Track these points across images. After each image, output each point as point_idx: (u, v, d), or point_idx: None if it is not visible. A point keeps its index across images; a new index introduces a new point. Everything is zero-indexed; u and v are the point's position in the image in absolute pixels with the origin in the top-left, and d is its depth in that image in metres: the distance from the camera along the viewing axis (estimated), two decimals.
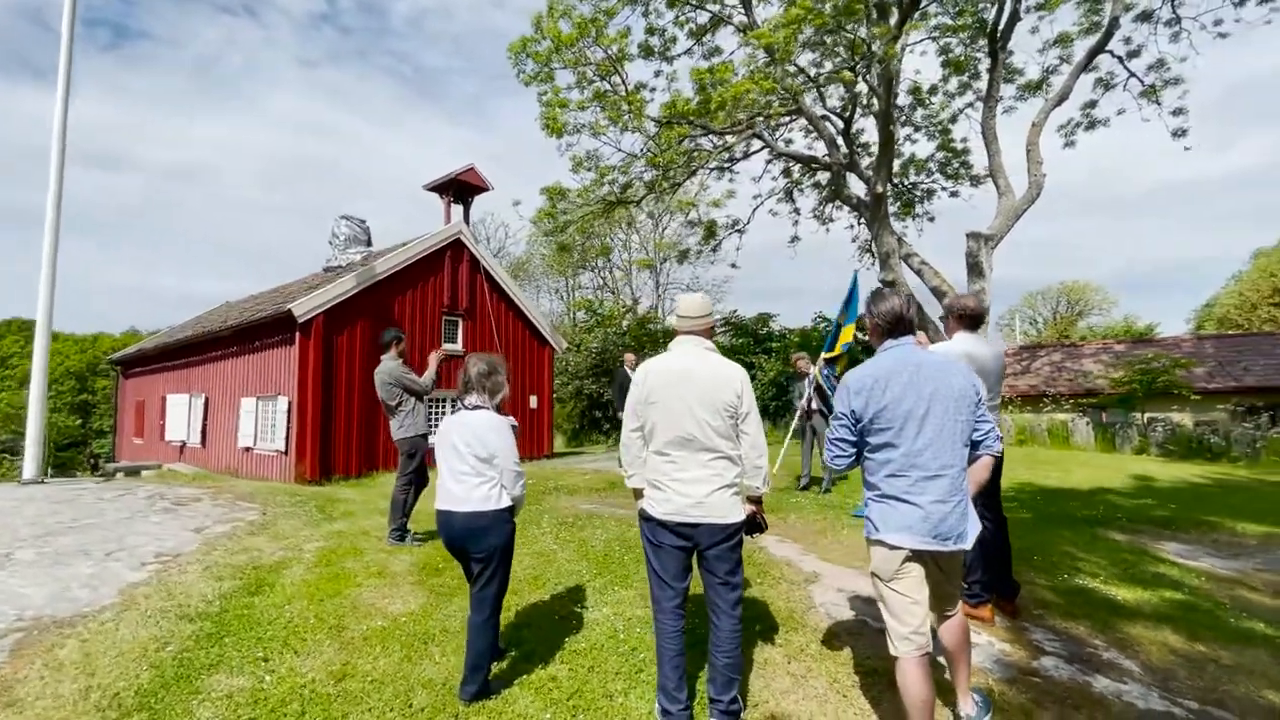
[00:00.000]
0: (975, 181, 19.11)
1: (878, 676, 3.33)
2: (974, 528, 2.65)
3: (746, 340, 18.53)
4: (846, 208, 18.81)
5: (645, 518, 3.03)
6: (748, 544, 5.41)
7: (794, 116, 15.41)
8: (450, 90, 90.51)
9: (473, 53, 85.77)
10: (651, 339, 20.50)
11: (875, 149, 18.37)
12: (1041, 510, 6.84)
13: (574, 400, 19.23)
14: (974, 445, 2.69)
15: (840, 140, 15.66)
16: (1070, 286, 36.69)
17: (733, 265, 18.27)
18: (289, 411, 11.46)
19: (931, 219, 20.03)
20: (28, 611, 3.88)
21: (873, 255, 19.77)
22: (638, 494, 3.13)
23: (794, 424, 8.15)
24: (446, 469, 3.26)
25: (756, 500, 3.06)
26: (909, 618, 2.60)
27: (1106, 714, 3.02)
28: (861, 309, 6.75)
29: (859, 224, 19.40)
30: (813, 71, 13.93)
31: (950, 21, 15.60)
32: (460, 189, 13.76)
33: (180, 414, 15.26)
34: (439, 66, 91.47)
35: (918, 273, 15.74)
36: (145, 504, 6.38)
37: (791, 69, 13.17)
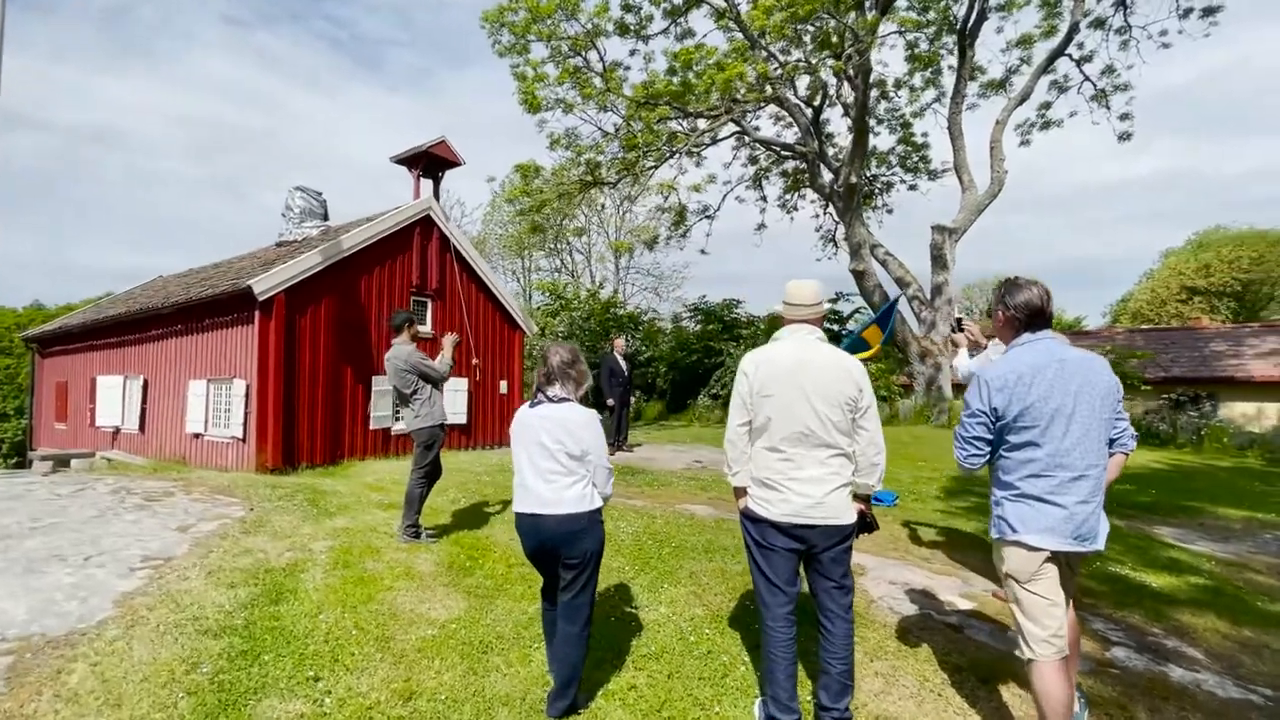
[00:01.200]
0: (933, 175, 19.61)
1: (964, 674, 3.27)
2: (1105, 527, 2.58)
3: (715, 326, 18.50)
4: (813, 197, 18.97)
5: (753, 519, 2.84)
6: None
7: (767, 104, 15.35)
8: (391, 61, 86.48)
9: (415, 22, 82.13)
10: (618, 323, 20.22)
11: (840, 140, 18.61)
12: None
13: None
14: (1109, 443, 2.61)
15: (811, 130, 15.71)
16: (1001, 280, 38.51)
17: (702, 251, 18.15)
18: (247, 395, 10.65)
19: (890, 211, 20.45)
20: (10, 630, 3.36)
21: (835, 244, 20.08)
22: (739, 493, 2.94)
23: None
24: (531, 468, 2.97)
25: (865, 498, 2.91)
26: (1048, 620, 2.52)
27: (1194, 705, 3.04)
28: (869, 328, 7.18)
29: (823, 213, 19.64)
30: (785, 60, 13.86)
31: (916, 17, 15.82)
32: (430, 163, 13.04)
33: (113, 397, 14.01)
34: (380, 36, 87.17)
35: (882, 263, 16.04)
36: (112, 500, 5.73)
37: (780, 56, 13.05)
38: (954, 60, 16.48)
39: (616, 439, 10.04)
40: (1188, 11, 14.68)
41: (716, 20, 15.03)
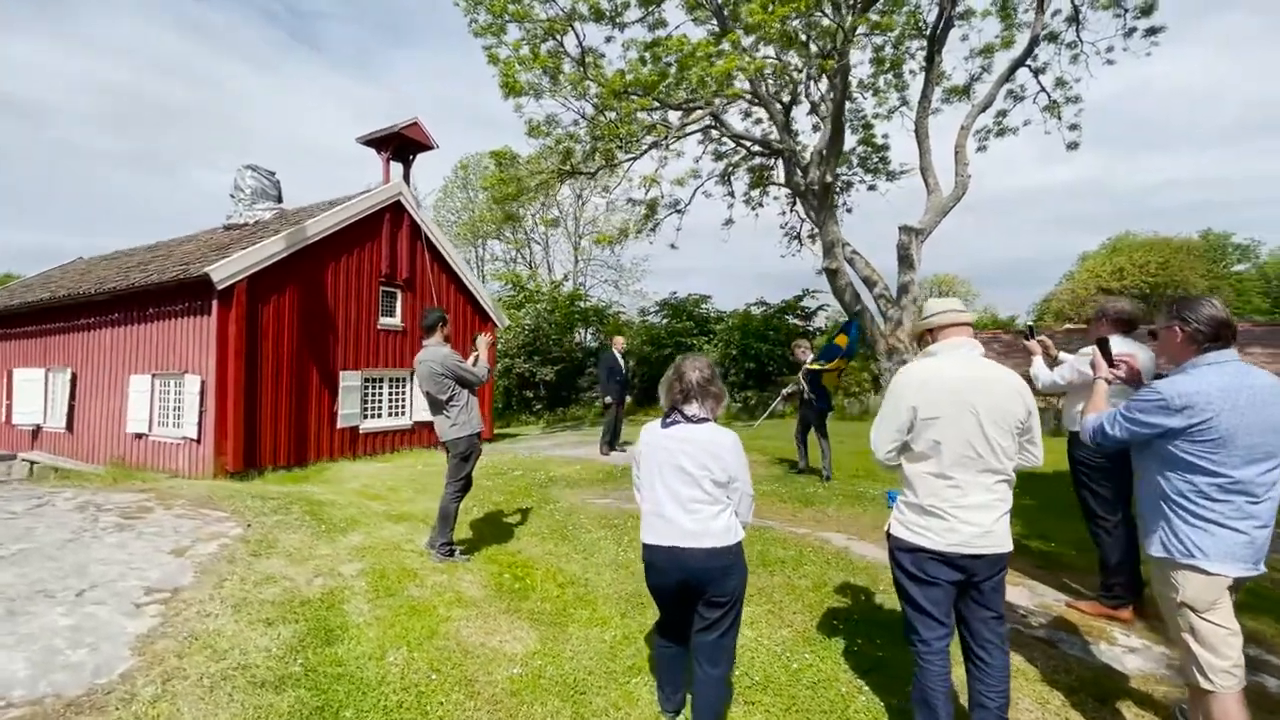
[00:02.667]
0: (892, 176, 20.05)
1: (1079, 694, 3.19)
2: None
3: (687, 323, 18.39)
4: (777, 193, 19.05)
5: (909, 549, 2.64)
6: (827, 542, 5.17)
7: (753, 101, 15.23)
8: (331, 36, 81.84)
9: None
10: (583, 317, 19.79)
11: (805, 139, 18.75)
12: (1044, 496, 7.18)
13: (503, 378, 18.19)
14: None
15: (787, 128, 15.70)
16: (941, 279, 40.18)
17: (672, 246, 17.92)
18: (203, 392, 9.72)
19: (850, 210, 20.81)
20: (15, 691, 2.79)
21: (799, 242, 20.28)
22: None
23: (776, 405, 8.20)
24: (669, 496, 2.65)
25: None
26: (1228, 650, 2.43)
27: None
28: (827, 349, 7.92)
29: (790, 211, 19.76)
30: (762, 57, 13.76)
31: (877, 19, 16.06)
32: (401, 145, 12.25)
33: (33, 392, 12.58)
34: (317, 10, 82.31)
35: (849, 262, 16.27)
36: (82, 518, 5.00)
37: (766, 52, 12.91)
38: (916, 65, 16.80)
39: (612, 439, 9.75)
40: (1132, 31, 15.49)
41: (689, 11, 14.82)
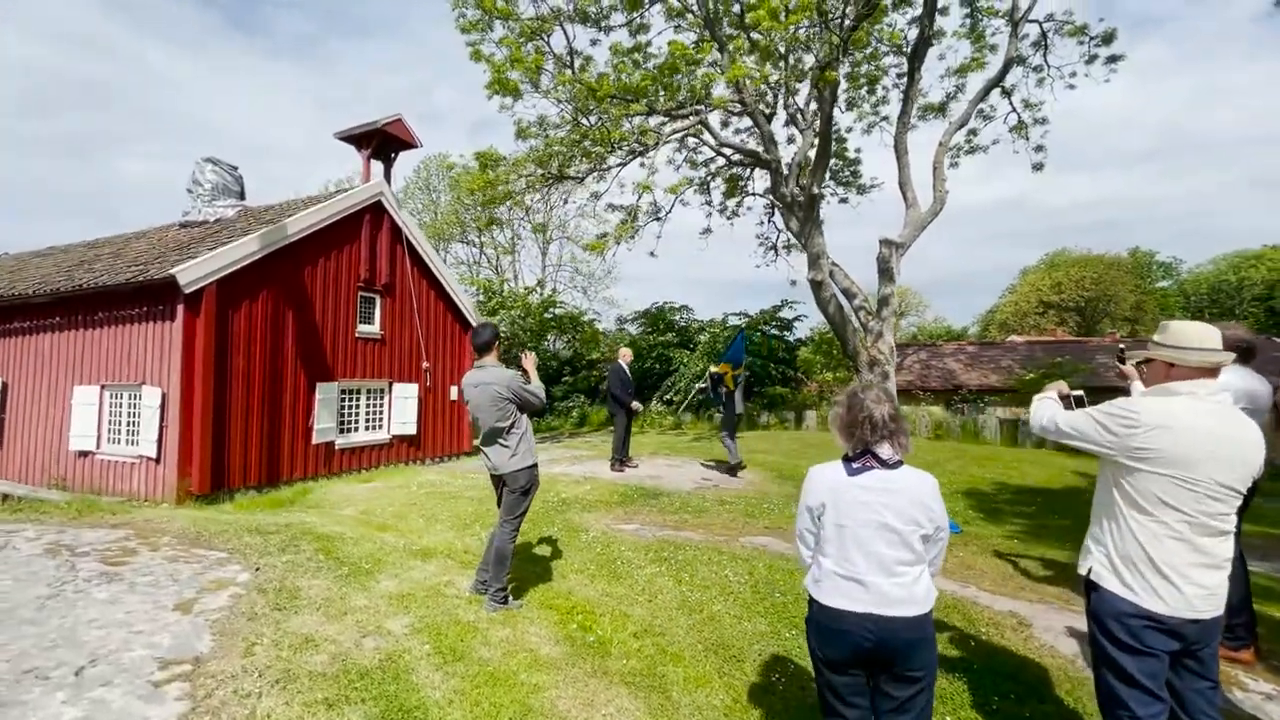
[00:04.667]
0: (862, 190, 20.31)
1: None
2: None
3: (668, 335, 18.10)
4: (763, 204, 18.98)
5: (1128, 613, 2.31)
6: None
7: (743, 111, 15.06)
8: (273, 22, 78.11)
9: None
10: (557, 324, 19.25)
11: (784, 150, 18.77)
12: (1080, 515, 7.12)
13: None
14: None
15: (773, 138, 15.59)
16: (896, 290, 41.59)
17: (651, 253, 17.58)
18: (163, 406, 8.75)
19: (821, 223, 20.98)
20: None
21: (776, 252, 20.27)
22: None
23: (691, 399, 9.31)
24: (867, 558, 2.25)
25: None
26: None
27: None
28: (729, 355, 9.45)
29: (768, 221, 19.73)
30: (752, 65, 13.62)
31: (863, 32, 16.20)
32: (383, 142, 11.49)
33: None
34: None
35: (829, 274, 16.29)
36: (57, 566, 4.21)
37: (750, 62, 12.73)
38: (890, 81, 17.02)
39: (622, 455, 9.32)
40: (1094, 58, 16.10)
41: (670, 19, 14.61)
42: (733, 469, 9.16)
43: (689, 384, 15.37)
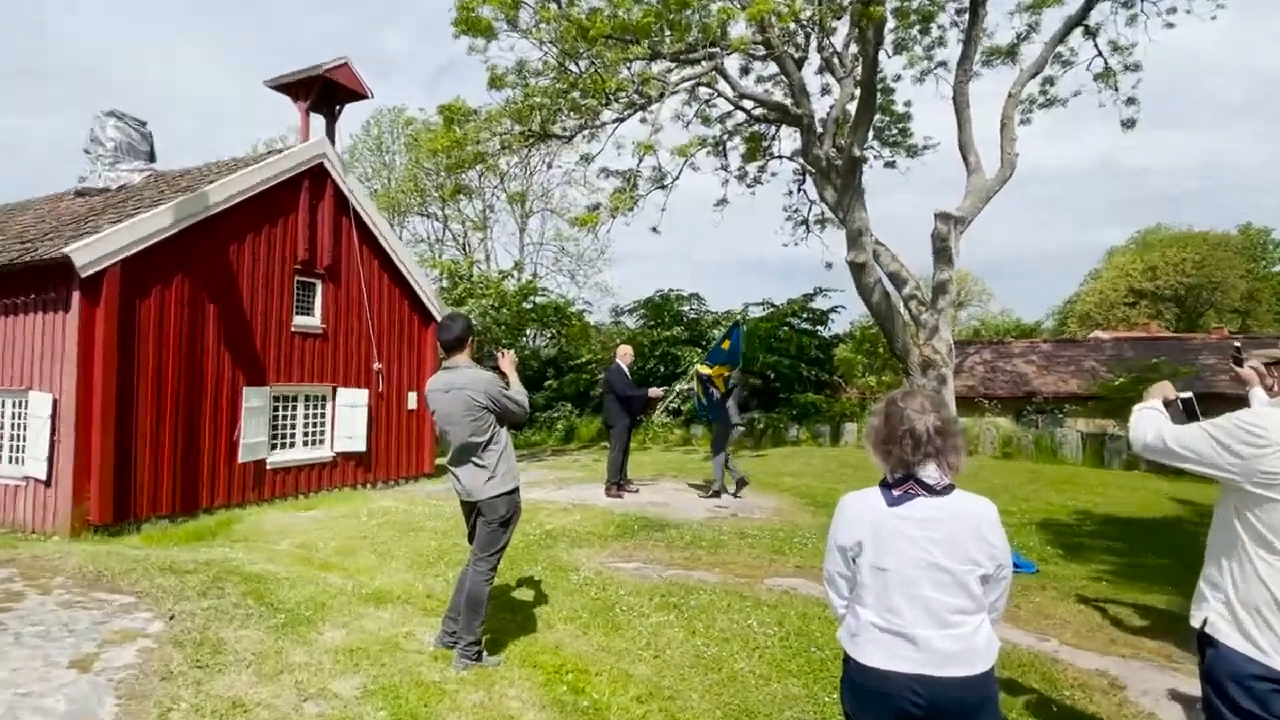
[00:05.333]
0: (913, 152, 20.37)
1: None
2: None
3: (676, 330, 18.18)
4: (792, 170, 19.03)
5: (1256, 675, 2.30)
6: None
7: (767, 56, 15.08)
8: None
9: None
10: (538, 316, 19.30)
11: (817, 103, 18.80)
12: (1181, 551, 7.14)
13: None
14: None
15: (804, 89, 15.61)
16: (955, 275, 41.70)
17: (654, 229, 17.64)
18: (54, 416, 8.75)
19: (862, 192, 21.05)
20: None
21: (807, 227, 20.32)
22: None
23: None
24: (913, 606, 2.24)
25: None
26: None
27: None
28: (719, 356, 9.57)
29: (797, 190, 19.78)
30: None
31: None
32: (326, 92, 11.49)
33: None
34: None
35: (873, 255, 16.34)
36: None
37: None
38: (948, 18, 17.05)
39: (620, 476, 9.36)
40: None
41: None
42: (719, 492, 9.42)
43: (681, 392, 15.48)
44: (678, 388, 9.69)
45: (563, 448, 18.04)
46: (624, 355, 9.41)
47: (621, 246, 60.48)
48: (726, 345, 9.44)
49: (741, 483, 9.57)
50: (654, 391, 9.70)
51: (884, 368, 18.65)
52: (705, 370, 9.42)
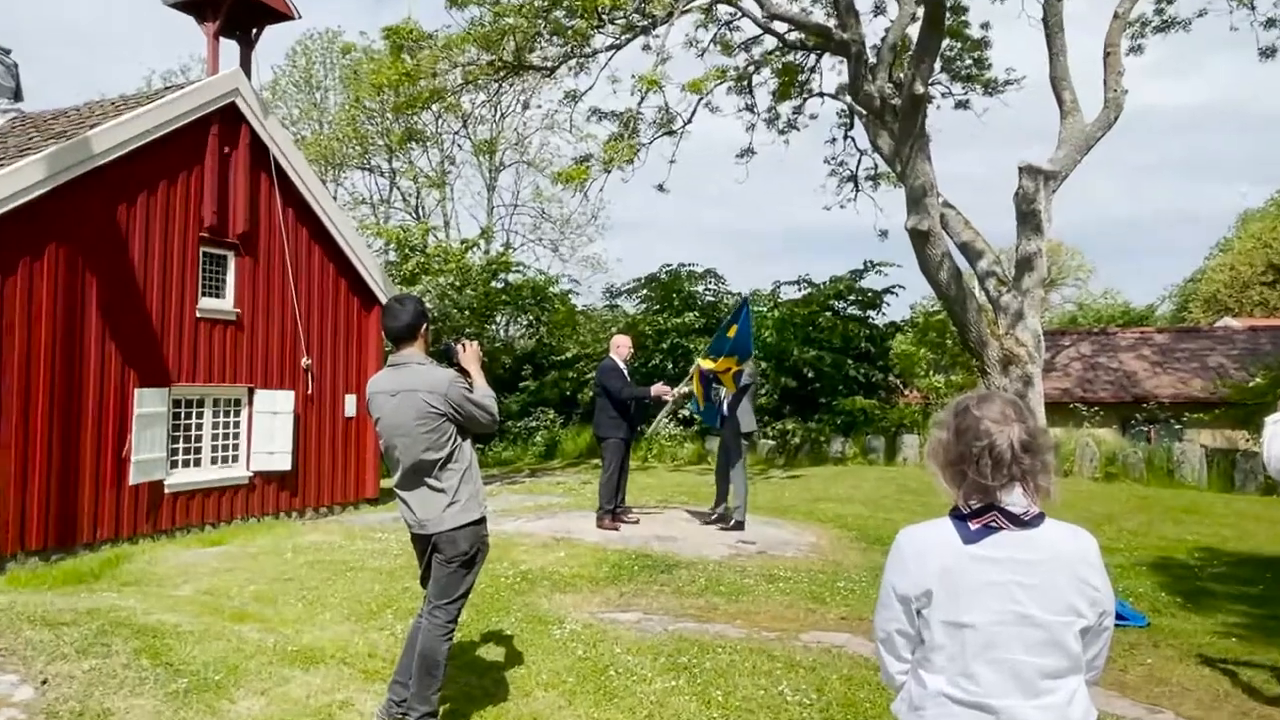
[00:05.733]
0: (991, 89, 20.43)
1: None
2: None
3: (687, 316, 18.21)
4: (838, 111, 19.07)
5: None
6: None
7: None
8: None
9: None
10: (512, 298, 19.37)
11: (876, 24, 18.81)
12: None
13: None
14: None
15: (853, 10, 15.63)
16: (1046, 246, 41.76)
17: (659, 188, 17.67)
18: None
19: (927, 140, 21.11)
20: None
21: (856, 185, 20.39)
22: None
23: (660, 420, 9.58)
24: (1001, 672, 2.24)
25: None
26: None
27: None
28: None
29: (843, 136, 19.83)
30: None
31: None
32: (241, 10, 11.51)
33: None
34: None
35: (940, 221, 16.37)
36: None
37: None
38: None
39: (615, 502, 9.43)
40: None
41: None
42: (734, 519, 9.49)
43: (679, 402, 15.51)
44: (678, 390, 9.50)
45: (543, 466, 18.10)
46: (620, 348, 9.48)
47: (619, 210, 60.57)
48: (733, 332, 9.36)
49: (727, 519, 9.57)
50: (659, 389, 9.64)
51: (954, 365, 18.60)
52: (708, 365, 9.38)
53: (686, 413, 16.99)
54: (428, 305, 18.78)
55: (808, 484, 13.91)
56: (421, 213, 27.71)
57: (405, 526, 4.31)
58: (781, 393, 18.06)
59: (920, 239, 15.34)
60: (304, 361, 12.27)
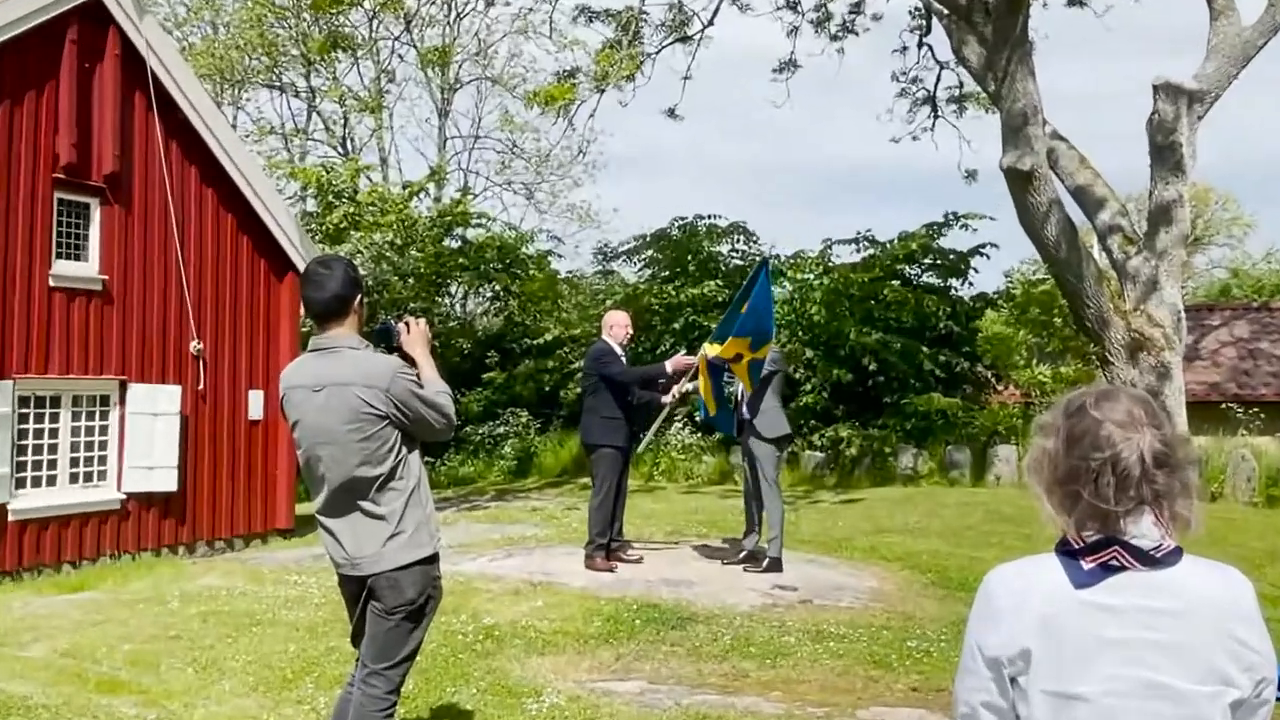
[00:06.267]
0: None
1: None
2: None
3: (707, 284, 18.22)
4: (912, 8, 19.11)
5: None
6: None
7: None
8: None
9: None
10: (472, 261, 19.36)
11: None
12: None
13: None
14: None
15: None
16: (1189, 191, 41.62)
17: (670, 112, 17.72)
18: None
19: (1030, 50, 21.12)
20: None
21: (935, 109, 20.45)
22: None
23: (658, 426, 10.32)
24: None
25: None
26: None
27: None
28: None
29: (916, 44, 19.83)
30: None
31: None
32: None
33: None
34: None
35: (1047, 159, 16.37)
36: None
37: None
38: None
39: (610, 534, 9.44)
40: None
41: None
42: (767, 556, 9.58)
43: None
44: (681, 386, 9.33)
45: (514, 486, 18.12)
46: (616, 327, 9.47)
47: (615, 144, 60.28)
48: (746, 308, 9.26)
49: (759, 557, 9.55)
50: (680, 361, 9.52)
51: (1064, 352, 18.62)
52: (715, 352, 9.31)
53: (700, 415, 17.01)
54: (361, 270, 18.97)
55: (868, 510, 13.94)
56: (351, 147, 27.59)
57: (331, 566, 4.33)
58: (834, 389, 17.95)
59: (1020, 182, 15.36)
60: (194, 346, 12.29)
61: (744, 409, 9.48)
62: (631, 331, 10.17)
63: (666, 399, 9.65)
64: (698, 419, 16.73)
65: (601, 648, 7.21)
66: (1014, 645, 2.38)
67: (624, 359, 9.44)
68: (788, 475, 16.20)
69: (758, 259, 11.92)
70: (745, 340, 9.00)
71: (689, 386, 9.79)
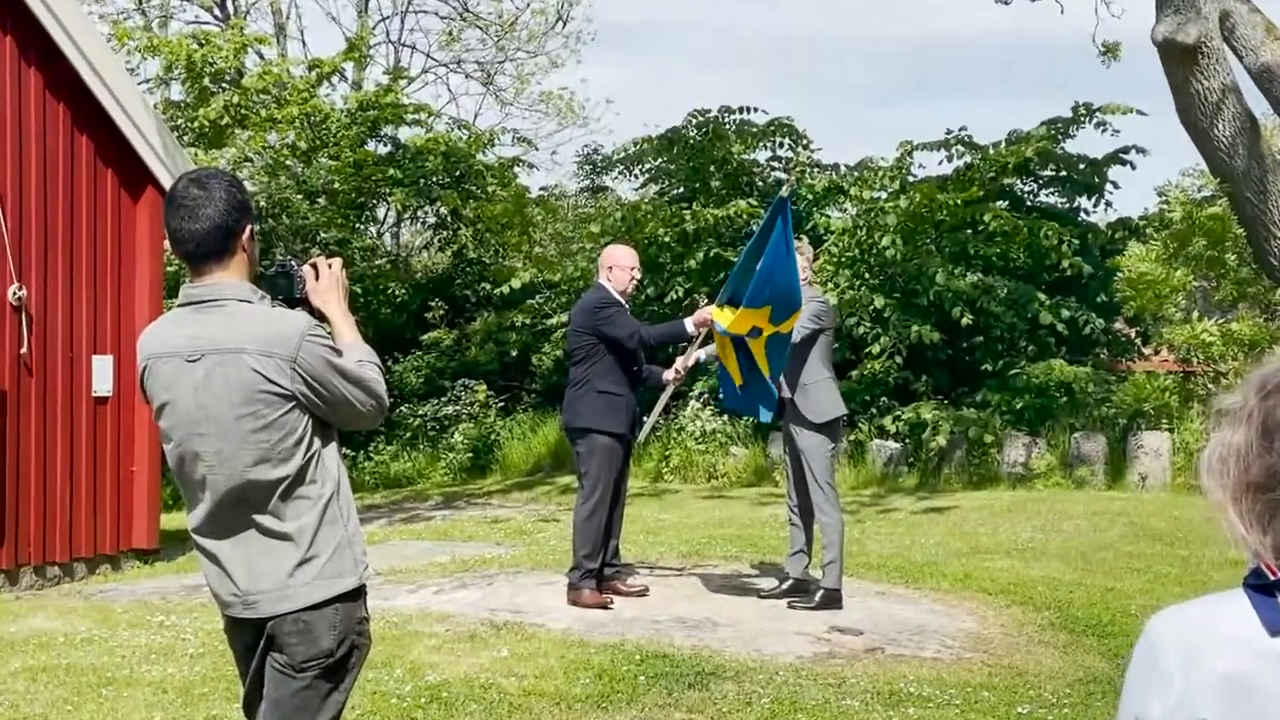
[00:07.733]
0: None
1: None
2: None
3: (739, 204, 18.24)
4: None
5: None
6: None
7: None
8: None
9: None
10: (409, 177, 19.39)
11: None
12: None
13: None
14: None
15: None
16: None
17: None
18: None
19: None
20: None
21: None
22: None
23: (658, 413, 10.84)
24: None
25: None
26: None
27: None
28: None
29: None
30: None
31: None
32: None
33: None
34: None
35: (1220, 28, 16.33)
36: None
37: None
38: None
39: (604, 555, 9.52)
40: None
41: None
42: (821, 587, 9.72)
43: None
44: (698, 354, 9.23)
45: (467, 488, 18.22)
46: (618, 269, 9.60)
47: (610, 8, 60.02)
48: (761, 263, 9.14)
49: (809, 587, 9.72)
50: (703, 316, 9.44)
51: (1238, 300, 18.67)
52: (724, 322, 9.25)
53: (722, 396, 17.05)
54: (251, 188, 19.08)
55: (961, 521, 14.03)
56: (234, 9, 27.59)
57: (213, 604, 4.35)
58: (912, 353, 18.04)
59: (1181, 60, 15.38)
60: (13, 292, 12.28)
61: (783, 384, 9.37)
62: (638, 271, 10.15)
63: (669, 375, 9.74)
64: (720, 400, 16.73)
65: (592, 714, 7.25)
66: (1188, 712, 2.40)
67: (627, 307, 9.51)
68: (848, 474, 16.29)
69: (782, 187, 11.35)
70: (763, 311, 8.88)
71: (702, 354, 9.74)
